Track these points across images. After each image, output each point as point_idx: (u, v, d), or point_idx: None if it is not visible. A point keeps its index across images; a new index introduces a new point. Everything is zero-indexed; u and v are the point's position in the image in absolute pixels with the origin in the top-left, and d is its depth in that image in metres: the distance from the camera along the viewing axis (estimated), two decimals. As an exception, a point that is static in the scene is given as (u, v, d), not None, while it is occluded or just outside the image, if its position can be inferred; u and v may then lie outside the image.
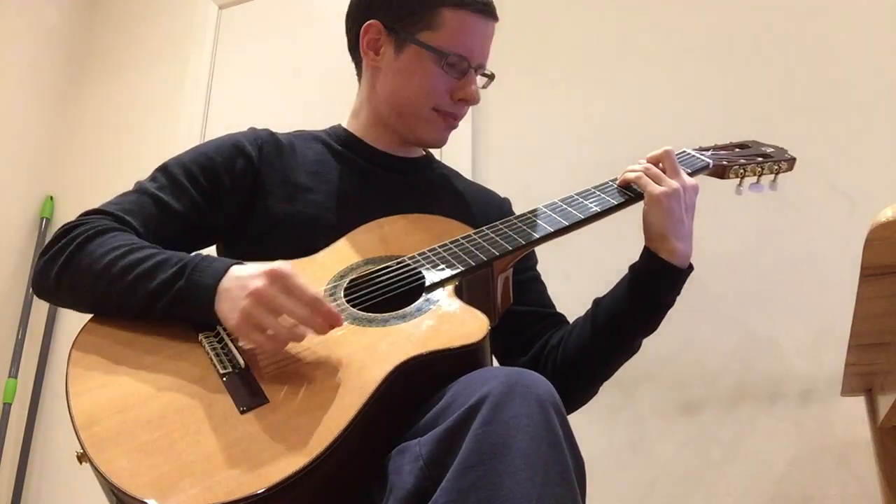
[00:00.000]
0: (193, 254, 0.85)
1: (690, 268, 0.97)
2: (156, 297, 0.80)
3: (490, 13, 1.06)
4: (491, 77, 1.11)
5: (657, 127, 1.70)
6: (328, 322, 0.75)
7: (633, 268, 0.97)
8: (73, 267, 0.85)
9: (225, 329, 0.80)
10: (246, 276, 0.77)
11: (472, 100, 1.06)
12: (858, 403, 1.26)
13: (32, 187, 2.39)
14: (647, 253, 0.95)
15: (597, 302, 1.01)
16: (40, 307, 2.26)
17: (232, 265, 0.80)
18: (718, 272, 1.54)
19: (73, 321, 2.26)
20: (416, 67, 1.03)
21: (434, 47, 1.02)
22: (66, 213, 2.31)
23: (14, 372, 2.17)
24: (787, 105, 1.61)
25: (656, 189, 0.94)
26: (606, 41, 1.85)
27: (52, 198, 2.40)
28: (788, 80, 1.63)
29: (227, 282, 0.78)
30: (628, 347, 0.99)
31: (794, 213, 1.52)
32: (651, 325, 0.98)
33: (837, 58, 1.60)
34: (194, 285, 0.80)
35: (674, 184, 0.94)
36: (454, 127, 1.09)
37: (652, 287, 0.95)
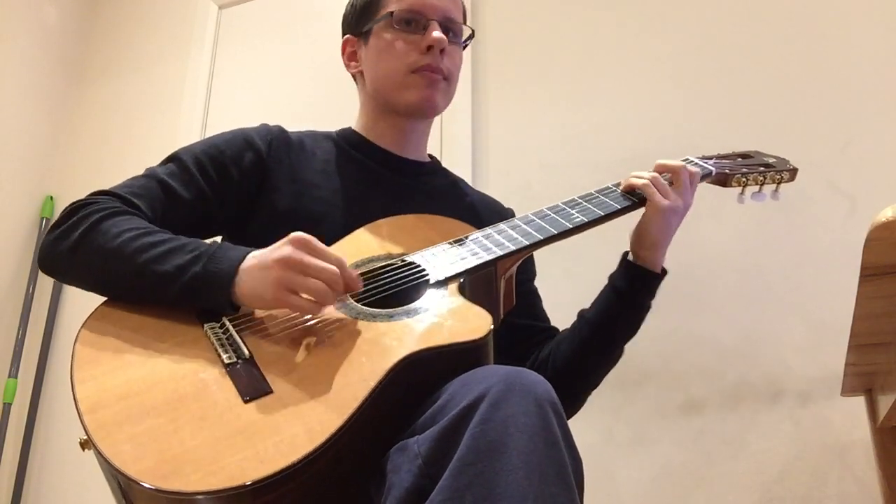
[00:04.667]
0: (210, 240, 0.86)
1: (665, 272, 1.01)
2: (169, 281, 0.81)
3: None
4: (471, 36, 1.12)
5: (658, 127, 1.70)
6: (351, 285, 0.80)
7: (620, 277, 1.00)
8: (85, 245, 0.85)
9: (230, 319, 0.80)
10: (267, 251, 0.79)
11: (437, 43, 1.04)
12: (858, 403, 1.26)
13: (32, 187, 2.39)
14: (630, 263, 1.00)
15: (582, 314, 1.03)
16: (40, 307, 2.26)
17: (248, 252, 0.81)
18: (719, 272, 1.54)
19: (73, 321, 2.27)
20: (380, 43, 1.08)
21: (378, 21, 1.07)
22: (66, 213, 2.31)
23: (14, 372, 2.17)
24: (787, 105, 1.61)
25: (663, 201, 0.95)
26: (607, 42, 1.85)
27: (52, 198, 2.40)
28: (789, 81, 1.63)
29: (246, 263, 0.80)
30: (617, 355, 1.03)
31: (794, 213, 1.52)
32: (636, 330, 1.02)
33: (837, 58, 1.60)
34: (211, 272, 0.80)
35: (679, 201, 0.97)
36: (438, 81, 1.07)
37: (641, 294, 0.99)
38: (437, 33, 1.05)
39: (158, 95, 2.41)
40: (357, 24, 1.12)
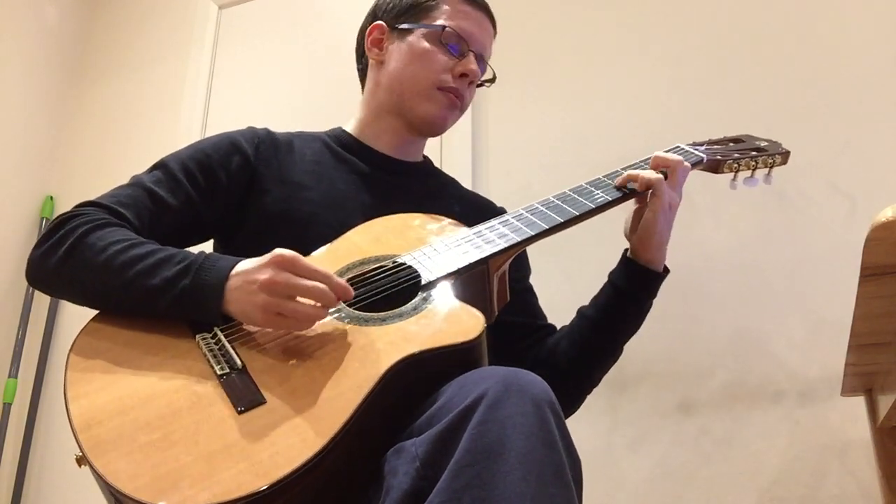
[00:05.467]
0: (198, 251, 0.85)
1: (668, 271, 1.01)
2: (158, 294, 0.80)
3: (485, 9, 1.13)
4: (493, 79, 1.13)
5: (657, 127, 1.70)
6: (341, 295, 0.78)
7: (621, 276, 0.99)
8: (72, 260, 0.85)
9: (222, 330, 0.80)
10: (251, 269, 0.78)
11: (472, 75, 1.08)
12: (858, 403, 1.26)
13: (32, 187, 2.39)
14: (631, 262, 0.99)
15: (582, 312, 1.03)
16: (40, 307, 2.26)
17: (237, 263, 0.81)
18: (718, 272, 1.53)
19: (73, 321, 2.26)
20: (418, 47, 1.08)
21: (433, 24, 1.08)
22: (66, 213, 2.32)
23: (14, 372, 2.17)
24: (787, 105, 1.61)
25: (667, 198, 0.95)
26: (607, 42, 1.85)
27: (52, 198, 2.40)
28: (788, 81, 1.63)
29: (233, 280, 0.79)
30: (618, 353, 1.03)
31: (794, 213, 1.52)
32: (637, 329, 1.02)
33: (837, 58, 1.60)
34: (200, 285, 0.80)
35: (676, 197, 0.97)
36: (457, 107, 1.10)
37: (643, 293, 0.99)
38: (474, 65, 1.08)
39: (158, 95, 2.41)
40: (397, 17, 1.11)
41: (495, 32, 1.15)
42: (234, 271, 0.80)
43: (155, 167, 1.00)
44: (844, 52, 1.60)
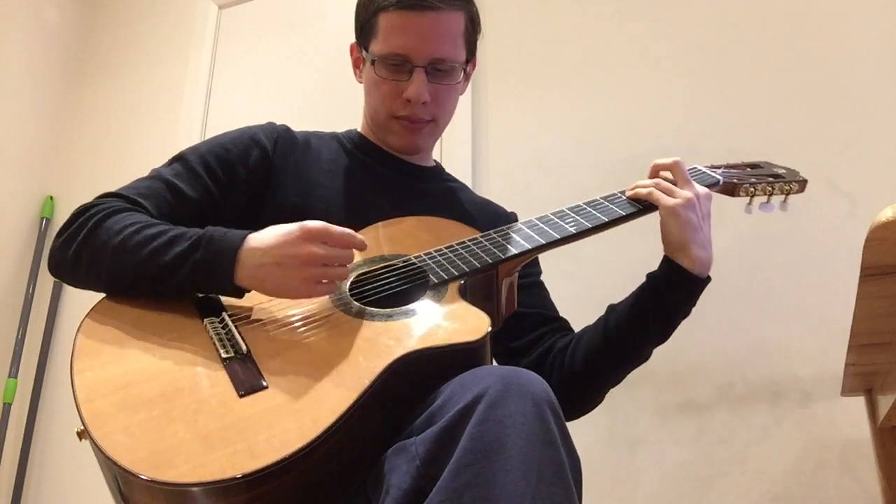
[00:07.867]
0: (207, 228, 0.86)
1: (708, 278, 0.96)
2: (171, 270, 0.82)
3: (425, 5, 0.99)
4: (464, 64, 1.05)
5: (658, 128, 1.70)
6: (361, 247, 0.84)
7: (651, 276, 0.97)
8: (90, 244, 0.87)
9: (230, 314, 0.81)
10: (283, 243, 0.80)
11: (414, 98, 1.02)
12: (858, 403, 1.26)
13: (32, 187, 2.39)
14: (668, 262, 0.95)
15: (611, 309, 1.00)
16: (40, 307, 2.26)
17: (247, 235, 0.82)
18: (718, 271, 1.52)
19: (73, 321, 2.26)
20: (370, 76, 1.07)
21: (371, 54, 1.04)
22: (66, 214, 2.31)
23: (14, 372, 2.17)
24: (787, 105, 1.61)
25: (670, 201, 0.94)
26: (607, 42, 1.85)
27: (52, 198, 2.40)
28: (788, 81, 1.63)
29: (246, 253, 0.81)
30: (640, 356, 0.99)
31: (794, 213, 1.51)
32: (665, 335, 0.97)
33: (837, 58, 1.60)
34: (212, 256, 0.81)
35: (686, 193, 0.95)
36: (417, 130, 1.07)
37: (671, 297, 0.94)
38: (415, 88, 1.01)
39: (158, 95, 2.41)
40: (357, 34, 1.09)
41: (460, 15, 1.03)
42: (246, 242, 0.81)
43: (174, 160, 1.01)
44: (844, 52, 1.60)
